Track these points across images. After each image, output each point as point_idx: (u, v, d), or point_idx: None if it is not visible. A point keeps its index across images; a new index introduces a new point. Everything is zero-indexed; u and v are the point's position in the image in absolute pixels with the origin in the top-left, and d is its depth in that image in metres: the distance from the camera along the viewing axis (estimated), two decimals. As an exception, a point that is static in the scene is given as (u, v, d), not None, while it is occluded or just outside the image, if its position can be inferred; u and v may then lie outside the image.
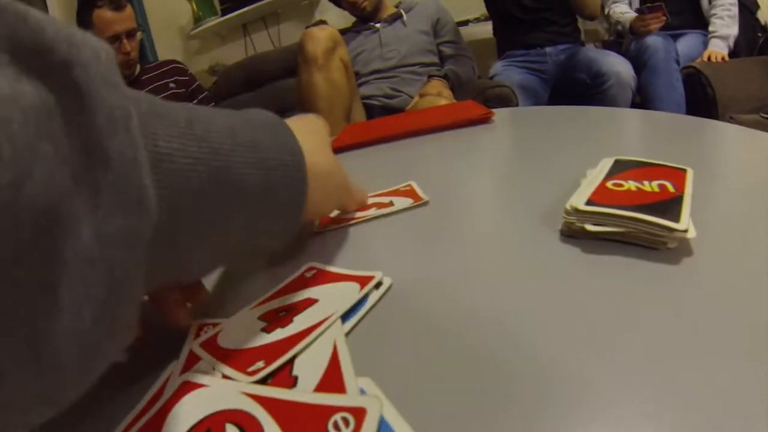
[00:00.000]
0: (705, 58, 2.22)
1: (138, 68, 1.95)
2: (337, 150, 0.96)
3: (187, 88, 1.98)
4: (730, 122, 1.91)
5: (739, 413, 0.21)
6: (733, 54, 2.31)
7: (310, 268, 0.41)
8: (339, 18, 2.92)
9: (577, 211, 0.38)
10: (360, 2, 2.23)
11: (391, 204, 0.53)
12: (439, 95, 1.85)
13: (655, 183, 0.41)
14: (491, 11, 2.52)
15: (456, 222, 0.48)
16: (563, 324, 0.28)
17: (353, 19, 2.43)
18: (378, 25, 2.26)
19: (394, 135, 0.96)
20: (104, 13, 1.75)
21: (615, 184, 0.42)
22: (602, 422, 0.22)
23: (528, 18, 2.34)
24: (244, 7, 3.34)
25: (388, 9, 2.31)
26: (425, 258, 0.41)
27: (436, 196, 0.54)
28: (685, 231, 0.34)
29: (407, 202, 0.53)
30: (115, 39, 1.77)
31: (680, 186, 0.40)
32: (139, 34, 1.86)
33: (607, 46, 2.67)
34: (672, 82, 2.11)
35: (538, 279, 0.34)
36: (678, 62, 2.18)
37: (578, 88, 2.13)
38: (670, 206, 0.37)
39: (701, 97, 2.12)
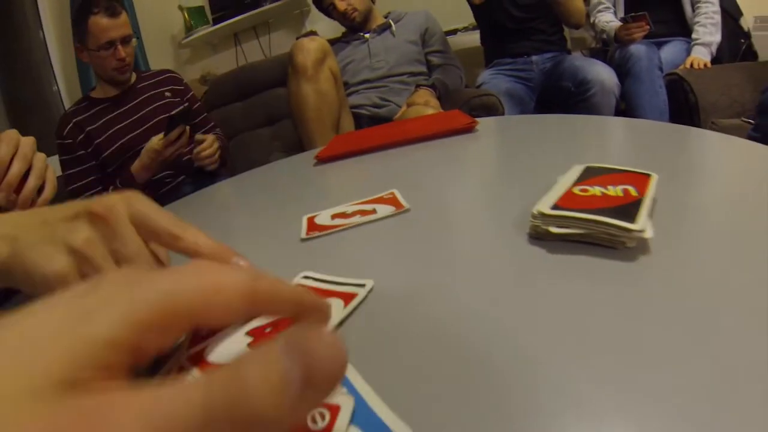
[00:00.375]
0: (687, 65, 2.26)
1: (134, 76, 1.97)
2: (325, 159, 0.99)
3: (182, 98, 2.01)
4: (712, 127, 1.96)
5: (697, 400, 0.24)
6: (716, 60, 2.35)
7: (306, 278, 0.43)
8: (329, 28, 2.96)
9: (542, 215, 0.41)
10: (350, 13, 2.27)
11: (374, 212, 0.56)
12: (426, 104, 1.89)
13: (619, 188, 0.44)
14: (479, 21, 2.56)
15: (433, 229, 0.51)
16: (529, 320, 0.32)
17: (343, 29, 2.47)
18: (367, 35, 2.30)
19: (380, 145, 0.99)
20: (100, 20, 1.77)
21: (582, 190, 0.45)
22: (566, 411, 0.25)
23: (515, 27, 2.38)
24: (236, 16, 3.37)
25: (377, 19, 2.36)
26: (404, 262, 0.44)
27: (416, 204, 0.57)
28: (642, 231, 0.37)
29: (389, 209, 0.56)
30: (110, 45, 1.80)
31: (642, 190, 0.44)
32: (134, 41, 1.88)
33: (593, 53, 2.72)
34: (655, 89, 2.15)
35: (506, 279, 0.37)
36: (661, 69, 2.22)
37: (563, 95, 2.17)
38: (629, 209, 0.40)
39: (684, 104, 2.16)
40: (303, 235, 0.55)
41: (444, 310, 0.35)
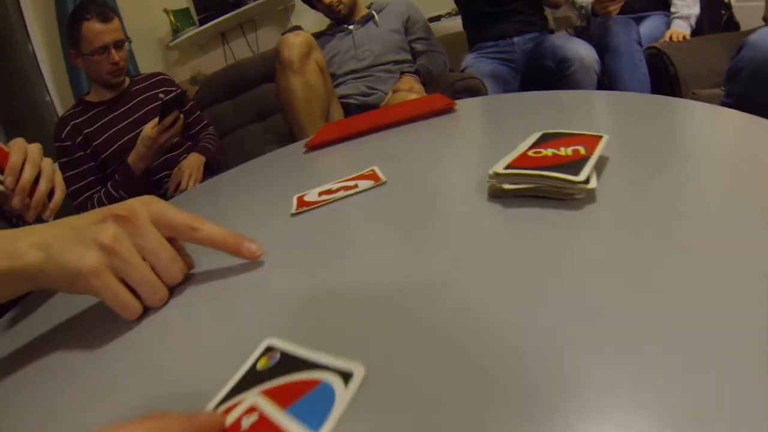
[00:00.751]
0: (667, 39, 2.31)
1: (127, 80, 2.03)
2: (315, 147, 1.05)
3: None
4: (692, 97, 2.00)
5: (635, 351, 0.25)
6: (696, 32, 2.39)
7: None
8: (314, 22, 3.01)
9: (497, 174, 0.47)
10: (335, 5, 2.32)
11: (355, 186, 0.62)
12: (410, 90, 1.94)
13: (570, 149, 0.49)
14: (460, 6, 2.61)
15: (406, 197, 0.57)
16: (483, 271, 0.37)
17: (328, 22, 2.51)
18: (351, 26, 2.35)
19: (365, 130, 1.05)
20: (93, 25, 1.83)
21: (535, 152, 0.50)
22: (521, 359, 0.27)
23: (494, 11, 2.43)
24: (221, 16, 3.41)
25: (361, 11, 2.41)
26: (379, 229, 0.50)
27: (393, 177, 0.63)
28: (586, 182, 0.42)
29: (369, 183, 0.62)
30: (103, 50, 1.85)
31: (591, 149, 0.48)
32: (126, 45, 1.94)
33: (578, 32, 2.73)
34: (635, 63, 2.19)
35: (466, 235, 0.43)
36: (640, 43, 2.25)
37: (546, 74, 2.21)
38: (576, 165, 0.44)
39: (665, 76, 2.21)
40: (293, 210, 0.61)
41: (410, 271, 0.40)
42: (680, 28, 2.33)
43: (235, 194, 0.91)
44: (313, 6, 2.45)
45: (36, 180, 0.87)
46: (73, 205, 1.89)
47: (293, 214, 0.60)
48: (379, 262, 0.42)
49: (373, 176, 0.64)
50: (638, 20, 2.40)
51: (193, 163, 1.93)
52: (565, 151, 0.49)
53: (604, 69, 2.20)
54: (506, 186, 0.46)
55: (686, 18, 2.36)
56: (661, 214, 0.38)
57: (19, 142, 0.87)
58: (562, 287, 0.32)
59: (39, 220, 0.85)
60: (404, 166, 0.71)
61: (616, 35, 2.20)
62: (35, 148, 0.88)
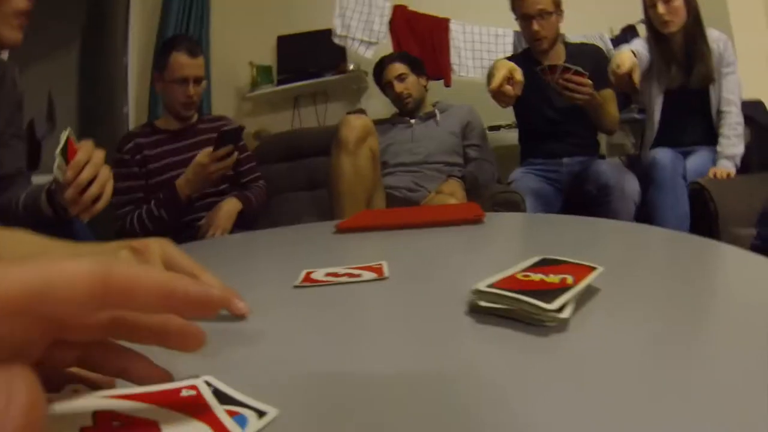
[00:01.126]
0: (711, 176, 2.29)
1: (196, 117, 2.15)
2: (345, 230, 1.12)
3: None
4: (728, 237, 1.99)
5: None
6: (745, 168, 2.37)
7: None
8: (381, 108, 3.15)
9: (477, 291, 0.48)
10: (405, 96, 2.46)
11: (359, 275, 0.68)
12: (451, 194, 2.02)
13: (558, 277, 0.50)
14: (519, 120, 2.67)
15: (398, 296, 0.63)
16: (448, 379, 0.37)
17: (393, 111, 2.65)
18: (413, 121, 2.48)
19: (395, 224, 1.12)
20: (180, 57, 1.97)
21: (524, 275, 0.51)
22: None
23: (549, 129, 2.46)
24: (299, 81, 3.60)
25: (426, 107, 2.54)
26: (358, 318, 0.55)
27: (396, 275, 0.69)
28: (558, 311, 0.42)
29: (372, 275, 0.68)
30: (183, 81, 1.98)
31: (579, 279, 0.49)
32: (203, 84, 2.07)
33: (631, 160, 2.73)
34: (676, 197, 2.19)
35: (435, 342, 0.47)
36: (685, 178, 2.25)
37: (586, 199, 2.22)
38: (554, 293, 0.45)
39: (705, 212, 2.17)
40: (297, 283, 0.67)
41: (363, 364, 0.42)
42: (725, 167, 2.32)
43: (252, 255, 0.98)
44: (384, 90, 2.59)
45: (91, 181, 0.96)
46: (115, 214, 1.97)
47: (296, 287, 0.66)
48: (346, 347, 0.47)
49: (378, 270, 0.70)
50: (686, 154, 2.39)
51: (225, 211, 1.97)
52: (553, 279, 0.50)
53: (645, 200, 2.19)
54: (483, 303, 0.49)
55: (731, 157, 2.33)
56: (633, 354, 0.39)
57: (88, 145, 0.97)
58: (509, 412, 0.32)
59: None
60: (412, 266, 0.77)
61: (663, 169, 2.20)
62: (100, 154, 0.98)
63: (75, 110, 3.43)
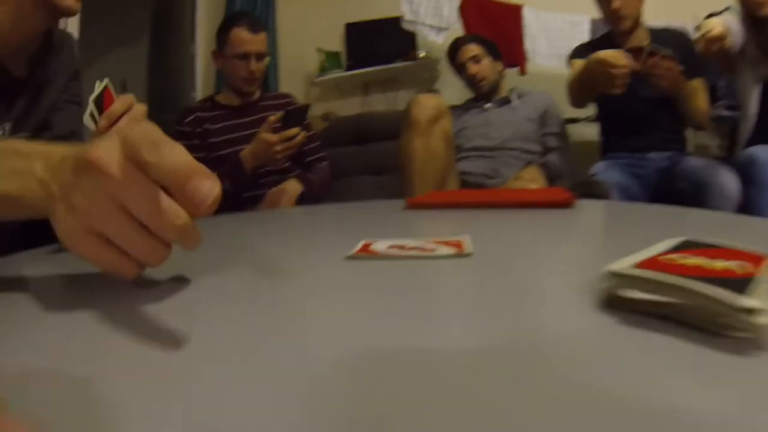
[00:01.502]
0: None
1: (258, 93, 2.09)
2: (416, 205, 0.98)
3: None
4: None
5: None
6: None
7: None
8: (455, 94, 2.99)
9: (616, 275, 0.32)
10: (479, 78, 2.30)
11: (433, 250, 0.53)
12: (532, 180, 1.85)
13: (729, 263, 0.33)
14: (600, 111, 2.48)
15: (491, 274, 0.47)
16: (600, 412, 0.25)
17: (467, 97, 2.51)
18: (488, 105, 2.31)
19: (471, 203, 0.98)
20: (241, 32, 1.93)
21: (669, 259, 0.34)
22: None
23: (635, 121, 2.29)
24: (368, 67, 3.56)
25: (502, 92, 2.39)
26: (444, 302, 0.39)
27: (482, 252, 0.52)
28: (754, 312, 0.26)
29: (450, 251, 0.53)
30: (244, 57, 1.94)
31: (757, 267, 0.32)
32: (266, 60, 2.02)
33: (719, 161, 2.54)
34: None
35: (563, 348, 0.28)
36: None
37: (678, 197, 2.03)
38: (740, 283, 0.29)
39: None
40: (350, 253, 0.52)
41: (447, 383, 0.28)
42: None
43: (309, 225, 0.85)
44: (458, 71, 2.46)
45: None
46: None
47: (347, 257, 0.52)
48: (411, 346, 0.31)
49: (458, 245, 0.54)
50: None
51: (285, 193, 1.87)
52: (723, 265, 0.32)
53: (744, 202, 1.97)
54: (628, 294, 0.32)
55: None
56: None
57: (128, 97, 0.88)
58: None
59: None
60: (501, 245, 0.62)
61: (763, 166, 1.98)
62: (140, 108, 0.89)
63: (145, 98, 3.51)
